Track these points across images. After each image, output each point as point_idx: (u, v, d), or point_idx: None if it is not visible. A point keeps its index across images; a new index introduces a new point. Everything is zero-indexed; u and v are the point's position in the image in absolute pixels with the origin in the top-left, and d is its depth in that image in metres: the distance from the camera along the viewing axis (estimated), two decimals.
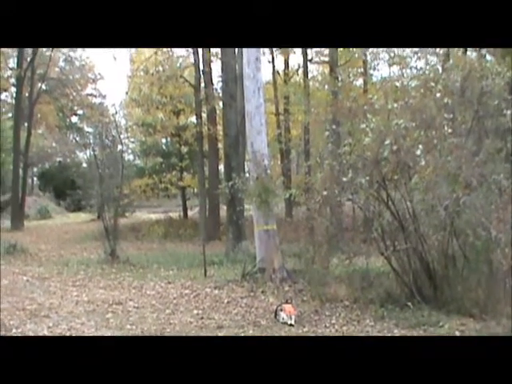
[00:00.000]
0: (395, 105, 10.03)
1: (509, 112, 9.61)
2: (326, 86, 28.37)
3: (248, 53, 13.24)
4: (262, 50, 16.86)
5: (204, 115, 28.00)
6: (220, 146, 26.65)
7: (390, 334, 8.38)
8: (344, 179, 9.87)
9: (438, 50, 28.36)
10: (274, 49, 30.11)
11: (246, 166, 20.08)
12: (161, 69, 29.29)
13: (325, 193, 10.17)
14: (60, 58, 42.71)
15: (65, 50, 42.13)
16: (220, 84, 24.93)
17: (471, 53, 25.61)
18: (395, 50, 32.18)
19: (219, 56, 23.71)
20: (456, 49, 25.68)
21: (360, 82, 30.69)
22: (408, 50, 32.09)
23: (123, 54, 29.35)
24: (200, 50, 26.76)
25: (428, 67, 26.73)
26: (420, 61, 30.17)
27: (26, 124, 36.52)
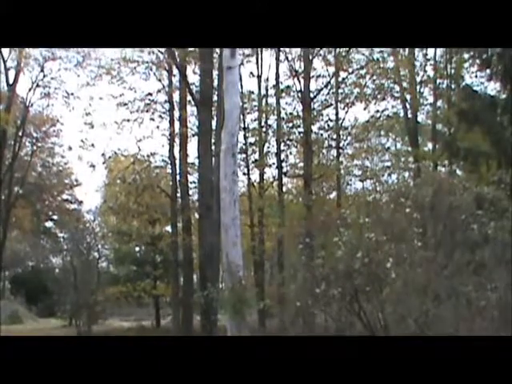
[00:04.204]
0: (367, 219, 10.38)
1: (475, 226, 9.94)
2: (301, 199, 28.92)
3: (225, 166, 13.62)
4: (238, 162, 17.29)
5: (179, 225, 28.26)
6: (195, 255, 26.79)
7: None
8: (317, 291, 10.05)
9: (410, 165, 29.20)
10: (250, 161, 30.76)
11: (220, 277, 20.17)
12: (138, 178, 29.71)
13: (298, 304, 10.33)
14: (38, 163, 43.14)
15: (43, 155, 42.56)
16: (196, 195, 25.34)
17: (442, 168, 26.45)
18: (368, 164, 33.07)
19: (196, 168, 24.23)
20: (427, 164, 26.50)
21: (334, 194, 31.24)
22: (380, 165, 32.99)
23: (100, 163, 29.82)
24: (177, 162, 27.39)
25: (400, 182, 27.56)
26: (392, 176, 31.00)
27: (0, 228, 36.43)
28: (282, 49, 28.43)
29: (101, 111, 29.20)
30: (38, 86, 33.98)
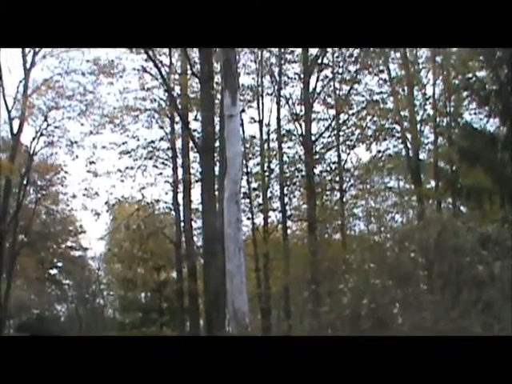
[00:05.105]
0: (372, 265, 10.37)
1: (481, 267, 9.90)
2: (306, 241, 28.83)
3: (229, 213, 13.63)
4: (242, 207, 17.30)
5: (185, 271, 28.21)
6: (200, 301, 26.67)
7: None
8: None
9: (413, 203, 29.12)
10: (254, 206, 30.74)
11: (226, 322, 20.05)
12: (142, 224, 29.77)
13: None
14: (42, 210, 43.15)
15: (47, 203, 42.64)
16: (201, 241, 25.36)
17: (446, 205, 26.44)
18: (372, 204, 33.04)
19: (200, 214, 24.26)
20: (431, 202, 26.47)
21: (339, 235, 31.03)
22: (384, 205, 32.93)
23: (105, 211, 30.03)
24: (181, 208, 27.48)
25: (404, 224, 27.52)
26: (396, 216, 30.96)
27: (4, 275, 36.24)
28: (282, 93, 28.68)
29: (104, 159, 29.48)
30: (41, 134, 34.19)
